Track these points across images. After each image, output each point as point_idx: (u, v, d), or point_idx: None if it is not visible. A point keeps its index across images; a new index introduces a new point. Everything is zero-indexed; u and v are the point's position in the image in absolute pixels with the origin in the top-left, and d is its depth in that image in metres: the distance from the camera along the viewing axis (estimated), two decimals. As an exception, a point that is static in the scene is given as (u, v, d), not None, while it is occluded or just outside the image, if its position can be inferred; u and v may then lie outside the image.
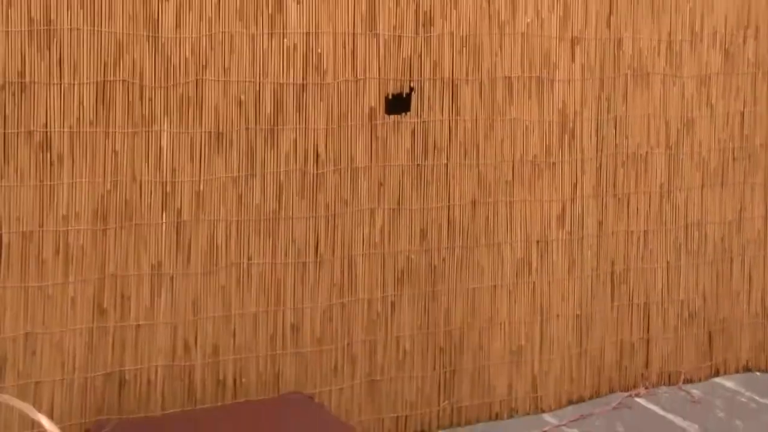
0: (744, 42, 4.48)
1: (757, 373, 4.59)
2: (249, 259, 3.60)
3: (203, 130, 3.51)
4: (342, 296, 3.76)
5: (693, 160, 4.43)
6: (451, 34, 3.90)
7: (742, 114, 4.51)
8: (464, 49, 3.93)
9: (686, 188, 4.42)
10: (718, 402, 4.32)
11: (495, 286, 4.04)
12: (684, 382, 4.44)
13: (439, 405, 3.96)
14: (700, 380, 4.49)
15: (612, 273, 4.29)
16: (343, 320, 3.77)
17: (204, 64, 3.50)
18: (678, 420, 4.16)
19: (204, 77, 3.50)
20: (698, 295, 4.48)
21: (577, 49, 4.15)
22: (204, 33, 3.50)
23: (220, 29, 3.52)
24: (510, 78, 4.02)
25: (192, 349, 3.52)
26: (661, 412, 4.22)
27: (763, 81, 4.53)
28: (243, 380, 3.60)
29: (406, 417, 3.90)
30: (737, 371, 4.58)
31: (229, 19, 3.53)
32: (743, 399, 4.36)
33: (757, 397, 4.38)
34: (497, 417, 4.07)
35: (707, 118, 4.44)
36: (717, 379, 4.52)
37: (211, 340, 3.56)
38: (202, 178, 3.52)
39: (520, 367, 4.11)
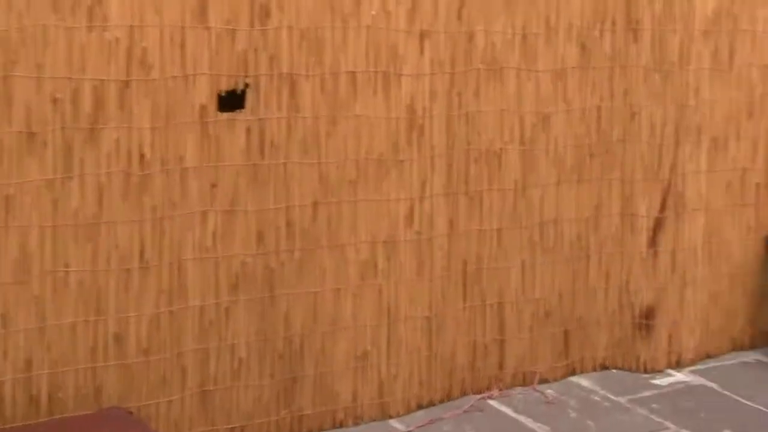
0: (600, 35, 4.21)
1: (614, 371, 4.35)
2: (66, 266, 3.25)
3: (13, 129, 3.16)
4: (171, 304, 3.44)
5: (549, 156, 4.16)
6: (290, 27, 3.58)
7: (599, 109, 4.25)
8: (304, 42, 3.61)
9: (542, 185, 4.15)
10: (572, 402, 4.08)
11: (338, 289, 3.74)
12: (539, 383, 4.19)
13: (278, 414, 3.65)
14: (555, 380, 4.24)
15: (464, 273, 4.02)
16: (173, 329, 3.45)
17: (14, 59, 3.14)
18: (529, 422, 3.91)
19: (14, 73, 3.15)
20: (554, 293, 4.22)
21: (427, 43, 3.85)
22: (14, 26, 3.13)
23: (32, 22, 3.16)
24: (354, 73, 3.71)
25: (1, 364, 3.18)
26: (513, 414, 3.97)
27: (621, 75, 4.27)
28: (59, 395, 3.26)
29: (243, 428, 3.60)
30: (594, 370, 4.34)
31: (42, 11, 3.17)
32: (597, 398, 4.12)
33: (611, 396, 4.14)
34: (341, 425, 3.78)
35: (563, 113, 4.17)
36: (573, 379, 4.27)
37: (23, 354, 3.21)
38: (12, 181, 3.16)
39: (365, 372, 3.82)
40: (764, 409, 4.09)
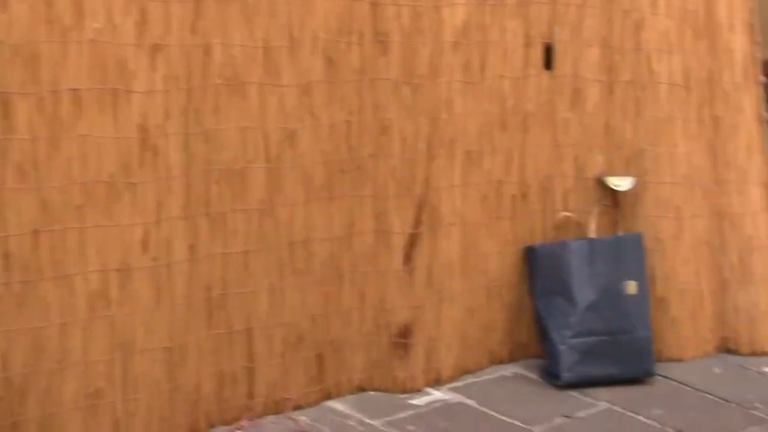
0: (347, 48, 3.96)
1: (371, 393, 4.09)
2: None
3: None
4: None
5: (296, 174, 3.88)
6: (0, 42, 3.19)
7: (349, 124, 3.99)
8: (17, 58, 3.22)
9: (290, 204, 3.87)
10: (325, 428, 3.81)
11: (65, 324, 3.36)
12: (293, 410, 3.89)
13: (-2, 462, 3.27)
14: (310, 406, 3.95)
15: (208, 299, 3.70)
16: None
17: None
18: (280, 453, 3.63)
19: None
20: (306, 316, 3.94)
21: (159, 57, 3.52)
22: None
23: None
24: (77, 90, 3.35)
25: None
26: (263, 446, 3.67)
27: (370, 89, 4.02)
28: None
29: (-43, 480, 3.20)
30: (351, 393, 4.07)
31: None
32: (352, 422, 3.86)
33: (366, 419, 3.89)
34: (73, 468, 3.41)
35: (311, 128, 3.90)
36: (328, 403, 3.99)
37: None
38: None
39: (98, 411, 3.45)
40: (520, 424, 3.92)
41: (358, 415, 3.91)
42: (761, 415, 4.10)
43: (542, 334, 4.36)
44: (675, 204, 4.56)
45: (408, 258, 4.10)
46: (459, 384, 4.22)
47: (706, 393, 4.27)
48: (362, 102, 4.01)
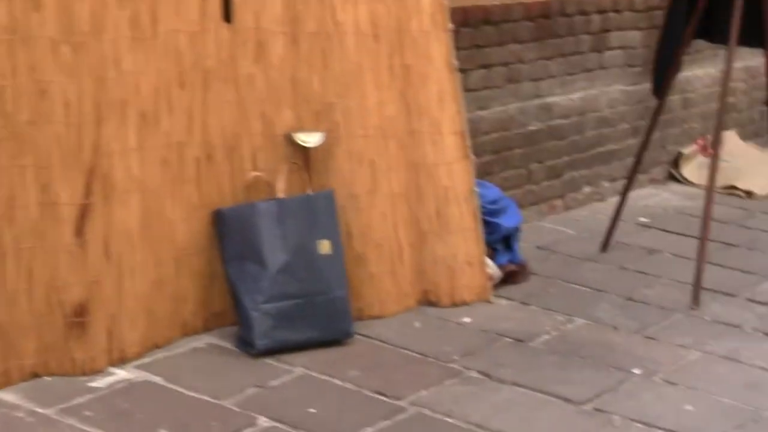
0: (-7, 4, 3.50)
1: (47, 379, 3.68)
2: None
3: None
4: None
5: (-59, 146, 3.41)
6: None
7: (1, 88, 3.55)
8: None
9: (-65, 180, 3.40)
10: (-11, 423, 3.39)
11: None
12: (-46, 405, 3.46)
13: None
14: (-27, 401, 3.52)
15: None
16: None
17: None
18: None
19: None
20: (-36, 301, 3.50)
21: None
22: None
23: None
24: None
25: None
26: None
27: (24, 49, 3.58)
28: None
29: None
30: (23, 380, 3.64)
31: None
32: (21, 414, 3.44)
33: (38, 408, 3.47)
34: None
35: (-46, 95, 3.44)
36: (-3, 395, 3.57)
37: None
38: None
39: None
40: (208, 399, 3.61)
41: (29, 405, 3.50)
42: (458, 367, 3.95)
43: (236, 301, 4.05)
44: (369, 157, 4.33)
45: (79, 231, 3.70)
46: (147, 360, 3.86)
47: (405, 349, 4.08)
48: (15, 63, 3.56)
